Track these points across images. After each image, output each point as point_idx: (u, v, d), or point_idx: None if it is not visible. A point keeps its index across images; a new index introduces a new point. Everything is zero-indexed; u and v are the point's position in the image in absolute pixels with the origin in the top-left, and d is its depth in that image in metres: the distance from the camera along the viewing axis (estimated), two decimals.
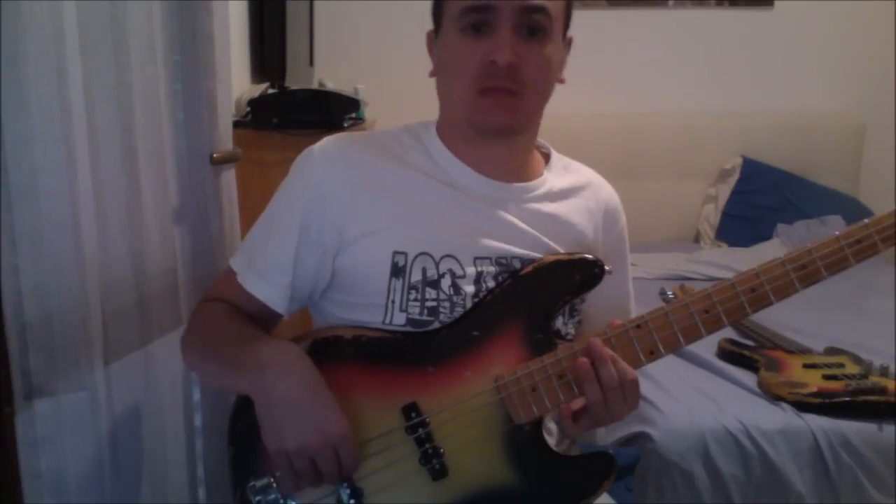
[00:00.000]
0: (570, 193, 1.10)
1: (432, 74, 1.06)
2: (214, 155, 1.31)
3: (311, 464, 0.88)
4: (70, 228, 0.96)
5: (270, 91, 2.20)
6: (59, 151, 0.94)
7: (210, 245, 1.33)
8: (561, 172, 1.11)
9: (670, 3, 3.29)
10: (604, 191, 1.14)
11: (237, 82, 1.79)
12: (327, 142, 1.05)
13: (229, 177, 1.40)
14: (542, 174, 1.09)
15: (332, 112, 2.08)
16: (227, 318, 1.03)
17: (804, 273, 0.95)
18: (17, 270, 0.92)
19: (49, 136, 0.92)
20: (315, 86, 2.62)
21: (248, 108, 2.05)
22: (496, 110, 0.98)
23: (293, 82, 2.33)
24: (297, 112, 2.01)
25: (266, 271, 1.02)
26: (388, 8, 3.08)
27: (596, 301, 1.09)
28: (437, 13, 1.04)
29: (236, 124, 1.58)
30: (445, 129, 1.07)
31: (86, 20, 0.99)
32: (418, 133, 1.08)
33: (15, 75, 0.88)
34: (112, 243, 1.08)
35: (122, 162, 1.10)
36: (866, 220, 0.96)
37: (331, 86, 2.51)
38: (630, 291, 1.18)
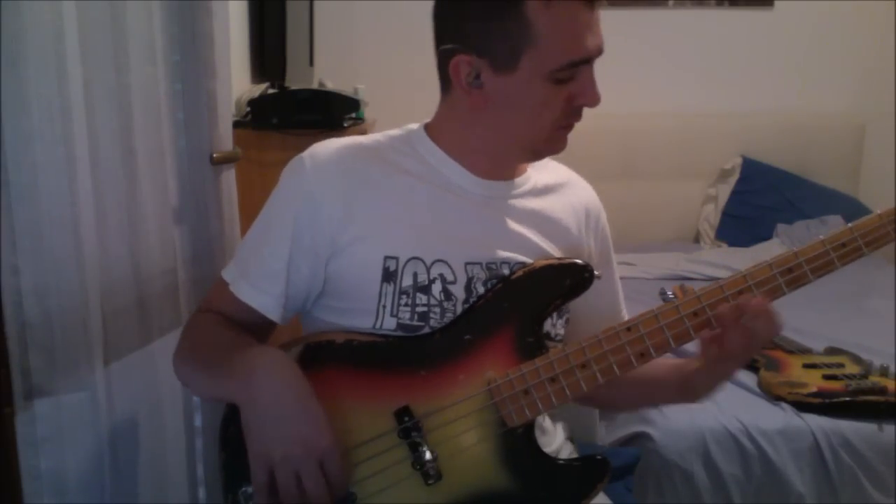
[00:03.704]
0: (552, 189, 1.10)
1: (475, 108, 1.00)
2: (214, 155, 1.31)
3: (296, 480, 0.86)
4: (70, 228, 0.96)
5: (270, 91, 2.21)
6: (59, 151, 0.94)
7: (210, 245, 1.33)
8: (541, 170, 1.12)
9: (670, 3, 3.29)
10: (582, 189, 1.15)
11: (237, 82, 1.79)
12: (316, 149, 1.04)
13: (229, 177, 1.40)
14: (526, 171, 1.10)
15: (332, 112, 2.08)
16: (217, 328, 1.02)
17: (791, 277, 0.96)
18: (17, 270, 0.92)
19: (49, 136, 0.92)
20: (315, 86, 2.62)
21: (248, 108, 2.05)
22: (564, 140, 1.02)
23: (293, 82, 2.33)
24: (297, 112, 2.01)
25: (259, 280, 1.02)
26: (388, 8, 3.08)
27: (587, 303, 1.08)
28: (507, 51, 0.94)
29: (236, 124, 1.59)
30: (444, 133, 1.06)
31: (86, 20, 0.99)
32: (407, 136, 1.07)
33: (15, 75, 0.89)
34: (112, 243, 1.08)
35: (122, 162, 1.10)
36: (850, 225, 0.97)
37: (331, 86, 2.51)
38: (619, 291, 1.18)
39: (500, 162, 1.05)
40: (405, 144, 1.06)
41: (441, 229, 1.01)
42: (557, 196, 1.10)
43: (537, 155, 1.05)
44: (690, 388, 1.03)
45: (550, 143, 1.02)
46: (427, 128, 1.08)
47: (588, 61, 0.96)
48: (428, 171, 1.04)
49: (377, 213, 1.00)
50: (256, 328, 1.04)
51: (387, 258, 0.98)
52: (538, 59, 0.94)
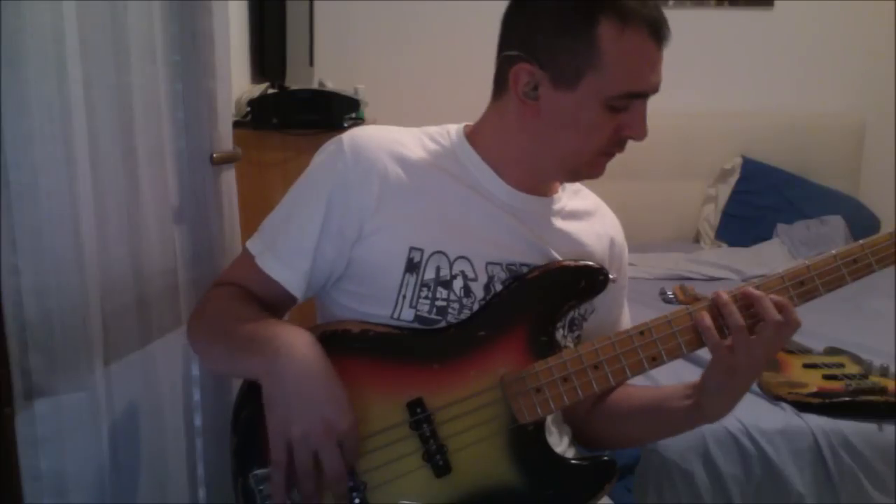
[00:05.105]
0: (580, 216, 1.11)
1: (525, 118, 1.01)
2: (214, 155, 1.31)
3: (313, 459, 0.88)
4: (70, 228, 0.96)
5: (270, 91, 2.21)
6: (59, 151, 0.94)
7: (210, 245, 1.33)
8: (572, 195, 1.13)
9: (670, 3, 3.29)
10: (610, 220, 1.16)
11: (237, 82, 1.79)
12: (356, 133, 1.05)
13: (229, 177, 1.39)
14: (557, 192, 1.11)
15: (332, 112, 2.08)
16: (239, 302, 1.02)
17: (802, 290, 0.99)
18: (17, 270, 0.92)
19: (49, 136, 0.92)
20: (315, 86, 2.62)
21: (248, 108, 2.05)
22: (603, 167, 1.04)
23: (293, 82, 2.34)
24: (297, 112, 2.02)
25: (285, 254, 1.02)
26: (387, 8, 3.08)
27: (596, 325, 1.10)
28: (571, 69, 0.96)
29: (236, 124, 1.58)
30: (485, 139, 1.06)
31: (86, 20, 0.99)
32: (445, 135, 1.08)
33: (15, 75, 0.88)
34: (112, 243, 1.07)
35: (122, 162, 1.10)
36: (861, 242, 0.99)
37: (331, 86, 2.51)
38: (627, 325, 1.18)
39: (536, 176, 1.06)
40: (442, 142, 1.07)
41: (466, 227, 1.02)
42: (585, 223, 1.11)
43: (575, 176, 1.07)
44: (702, 407, 1.01)
45: (591, 168, 1.03)
46: (467, 130, 1.09)
47: (645, 96, 0.98)
48: (461, 172, 1.05)
49: (407, 204, 1.01)
50: (275, 305, 1.05)
51: (412, 249, 1.00)
52: (600, 82, 0.95)
